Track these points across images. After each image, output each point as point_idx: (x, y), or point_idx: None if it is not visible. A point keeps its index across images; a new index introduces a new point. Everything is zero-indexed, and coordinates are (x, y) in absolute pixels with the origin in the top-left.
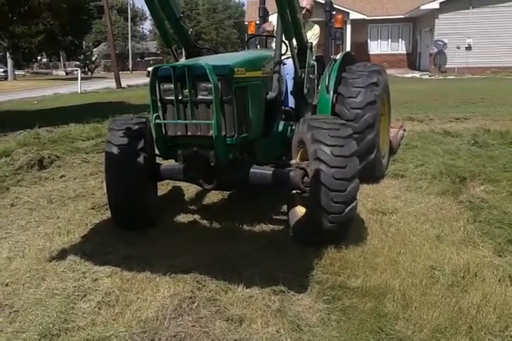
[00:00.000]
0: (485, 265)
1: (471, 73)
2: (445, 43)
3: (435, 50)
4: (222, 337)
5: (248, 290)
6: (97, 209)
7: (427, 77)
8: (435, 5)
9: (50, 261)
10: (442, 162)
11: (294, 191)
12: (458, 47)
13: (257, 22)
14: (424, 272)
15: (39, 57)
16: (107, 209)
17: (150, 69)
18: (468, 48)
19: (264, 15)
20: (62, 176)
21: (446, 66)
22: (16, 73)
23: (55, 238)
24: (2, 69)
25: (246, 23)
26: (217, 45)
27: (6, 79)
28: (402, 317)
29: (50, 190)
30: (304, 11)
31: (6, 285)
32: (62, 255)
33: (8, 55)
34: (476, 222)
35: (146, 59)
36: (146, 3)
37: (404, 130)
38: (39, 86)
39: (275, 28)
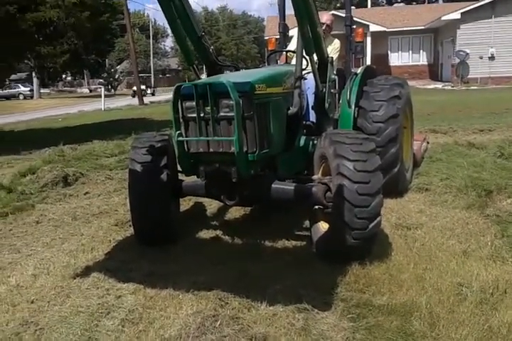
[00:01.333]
0: None
1: (494, 83)
2: (467, 53)
3: (457, 60)
4: None
5: (271, 307)
6: (121, 226)
7: (449, 87)
8: (456, 15)
9: (75, 278)
10: (467, 175)
11: (317, 207)
12: (481, 57)
13: (277, 37)
14: (452, 289)
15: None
16: (130, 225)
17: (134, 88)
18: (491, 58)
19: (284, 31)
20: (86, 193)
21: (469, 76)
22: (42, 91)
23: (79, 255)
24: (28, 88)
25: (266, 38)
26: (238, 61)
27: (32, 97)
28: (429, 336)
29: (74, 206)
30: (324, 27)
31: (32, 302)
32: (86, 272)
33: (34, 74)
34: (504, 237)
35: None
36: (168, 22)
37: (428, 142)
38: (64, 104)
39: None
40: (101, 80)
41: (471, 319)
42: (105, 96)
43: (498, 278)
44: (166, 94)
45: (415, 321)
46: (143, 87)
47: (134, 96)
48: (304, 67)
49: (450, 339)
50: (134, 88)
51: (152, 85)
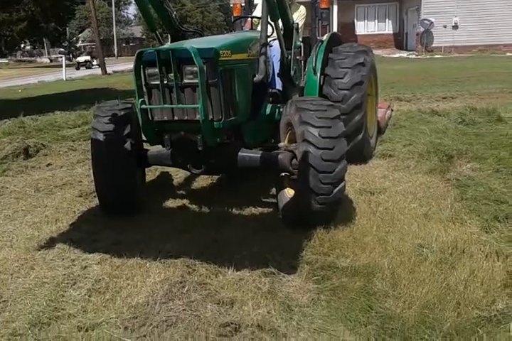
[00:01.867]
0: (472, 241)
1: (458, 52)
2: (432, 22)
3: (422, 29)
4: (213, 320)
5: (238, 273)
6: (85, 197)
7: (414, 56)
8: None
9: (39, 250)
10: (430, 141)
11: (283, 173)
12: (445, 26)
13: (243, 4)
14: (413, 250)
15: (22, 45)
16: (94, 196)
17: (79, 59)
18: (455, 27)
19: None
20: (48, 164)
21: (433, 45)
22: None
23: (43, 227)
24: None
25: (231, 5)
26: (203, 28)
27: None
28: (391, 295)
29: (36, 178)
30: None
31: None
32: (50, 243)
33: None
34: (463, 200)
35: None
36: None
37: (392, 110)
38: (23, 74)
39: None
40: (62, 49)
41: (431, 278)
42: (66, 65)
43: (456, 239)
44: (113, 66)
45: (378, 281)
46: (87, 57)
47: (78, 69)
48: (269, 33)
49: (411, 297)
50: (79, 58)
51: (116, 54)
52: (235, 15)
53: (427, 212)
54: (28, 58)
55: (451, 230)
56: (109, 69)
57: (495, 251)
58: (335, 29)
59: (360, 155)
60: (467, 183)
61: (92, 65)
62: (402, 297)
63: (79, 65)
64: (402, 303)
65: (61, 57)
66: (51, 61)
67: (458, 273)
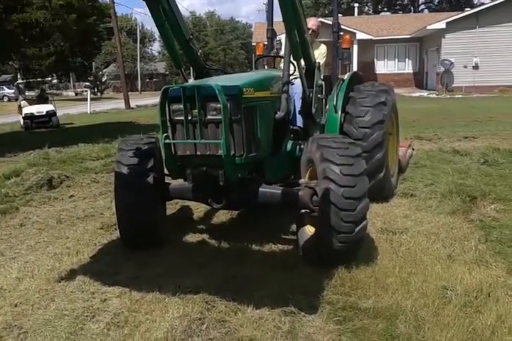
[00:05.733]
0: (498, 285)
1: (478, 92)
2: (452, 62)
3: (442, 69)
4: None
5: (258, 311)
6: (106, 229)
7: (434, 96)
8: (442, 25)
9: (59, 282)
10: (452, 181)
11: (303, 210)
12: (465, 67)
13: (265, 43)
14: (436, 292)
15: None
16: (115, 229)
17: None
18: (475, 67)
19: (271, 37)
20: (71, 196)
21: (454, 85)
22: (26, 94)
23: (64, 258)
24: (13, 90)
25: (253, 43)
26: (225, 66)
27: (16, 99)
28: (414, 339)
29: (59, 209)
30: (310, 32)
31: (15, 305)
32: (71, 275)
33: (18, 76)
34: (488, 242)
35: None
36: (156, 25)
37: (413, 149)
38: None
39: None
40: (87, 83)
41: (456, 321)
42: (91, 99)
43: (481, 282)
44: (136, 100)
45: (401, 324)
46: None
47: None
48: (291, 72)
49: None
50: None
51: (139, 89)
52: (257, 53)
53: (451, 254)
54: (55, 91)
55: (476, 273)
56: (132, 104)
57: None
58: (355, 68)
59: (381, 193)
60: (491, 225)
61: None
62: None
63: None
64: None
65: (86, 90)
66: (76, 94)
67: (484, 318)
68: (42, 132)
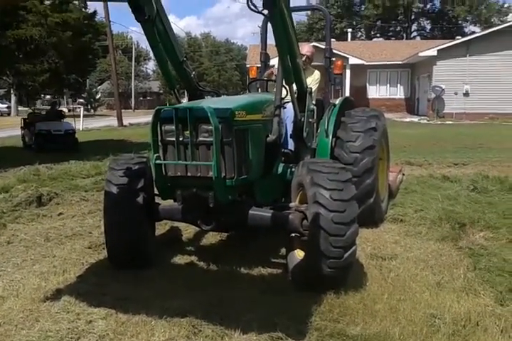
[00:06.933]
0: (486, 314)
1: (469, 119)
2: (443, 89)
3: (433, 95)
4: None
5: (245, 336)
6: (94, 249)
7: (425, 121)
8: (433, 52)
9: (45, 302)
10: (441, 207)
11: (293, 234)
12: (456, 93)
13: (258, 66)
14: (425, 320)
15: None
16: (103, 248)
17: None
18: (466, 94)
19: (265, 60)
20: (60, 214)
21: (444, 111)
22: (19, 109)
23: (51, 277)
24: (6, 105)
25: (248, 65)
26: (219, 87)
27: (9, 114)
28: None
29: (47, 227)
30: (304, 58)
31: None
32: (57, 295)
33: (12, 91)
34: (477, 270)
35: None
36: (150, 46)
37: (403, 174)
38: None
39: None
40: (81, 100)
41: None
42: (84, 116)
43: (470, 311)
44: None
45: None
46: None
47: None
48: (283, 96)
49: None
50: None
51: (133, 107)
52: (251, 76)
53: (440, 281)
54: (47, 107)
55: (465, 301)
56: (125, 122)
57: (510, 326)
58: (347, 92)
59: (371, 218)
60: (480, 253)
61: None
62: None
63: None
64: None
65: (79, 107)
66: (69, 111)
67: None
68: (32, 148)
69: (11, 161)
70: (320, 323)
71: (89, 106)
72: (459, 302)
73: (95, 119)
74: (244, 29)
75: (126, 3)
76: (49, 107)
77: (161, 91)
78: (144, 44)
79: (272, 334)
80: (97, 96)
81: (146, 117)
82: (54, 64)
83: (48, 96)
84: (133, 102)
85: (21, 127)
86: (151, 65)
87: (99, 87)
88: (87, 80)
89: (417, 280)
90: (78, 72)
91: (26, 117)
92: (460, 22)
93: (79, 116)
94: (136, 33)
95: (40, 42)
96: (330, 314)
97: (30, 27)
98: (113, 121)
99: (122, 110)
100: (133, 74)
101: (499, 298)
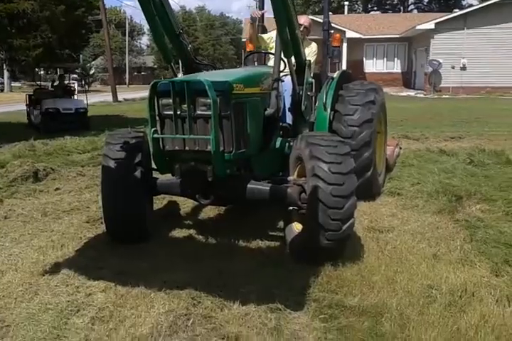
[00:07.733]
0: (482, 285)
1: (465, 93)
2: (440, 63)
3: (430, 69)
4: None
5: (244, 307)
6: (92, 223)
7: (421, 95)
8: (431, 25)
9: (43, 275)
10: (438, 180)
11: (291, 207)
12: (453, 67)
13: None
14: (422, 291)
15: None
16: (101, 222)
17: None
18: (463, 68)
19: (262, 33)
20: (57, 189)
21: (441, 85)
22: (13, 85)
23: (49, 251)
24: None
25: (243, 39)
26: (214, 61)
27: (2, 90)
28: (399, 337)
29: (44, 202)
30: (301, 28)
31: None
32: (55, 269)
33: (4, 66)
34: (473, 241)
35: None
36: (146, 19)
37: (400, 148)
38: None
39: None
40: (74, 75)
41: (440, 321)
42: (78, 92)
43: (466, 281)
44: (124, 93)
45: (386, 322)
46: None
47: None
48: (281, 69)
49: (419, 340)
50: None
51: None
52: (247, 50)
53: (436, 253)
54: (42, 83)
55: (461, 272)
56: (120, 97)
57: (505, 296)
58: (344, 66)
59: (368, 192)
60: (476, 225)
61: None
62: (411, 339)
63: None
64: None
65: (74, 83)
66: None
67: (468, 318)
68: (27, 124)
69: (5, 137)
70: (318, 294)
71: (83, 82)
72: (456, 273)
73: (90, 95)
74: (239, 2)
75: None
76: (55, 83)
77: (156, 66)
78: (138, 18)
79: (271, 305)
80: (91, 72)
81: (140, 92)
82: (47, 38)
83: (41, 72)
84: (127, 77)
85: (26, 104)
86: (145, 40)
87: (92, 63)
88: (81, 55)
89: (413, 252)
90: (71, 47)
91: (32, 93)
92: None
93: (90, 91)
94: (130, 8)
95: (33, 16)
96: (328, 285)
97: (22, 1)
98: (107, 97)
99: (116, 85)
100: (127, 49)
101: (495, 269)
